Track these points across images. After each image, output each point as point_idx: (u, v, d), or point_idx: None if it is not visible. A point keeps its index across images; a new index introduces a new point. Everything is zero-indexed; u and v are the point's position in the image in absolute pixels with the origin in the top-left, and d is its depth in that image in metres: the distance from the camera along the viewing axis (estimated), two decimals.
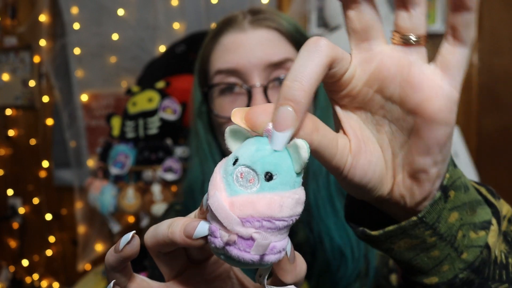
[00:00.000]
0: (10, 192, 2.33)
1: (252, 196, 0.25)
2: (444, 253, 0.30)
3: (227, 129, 0.28)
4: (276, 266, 0.29)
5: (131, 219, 1.88)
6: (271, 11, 0.69)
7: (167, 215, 0.78)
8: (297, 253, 0.31)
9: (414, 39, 0.27)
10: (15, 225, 2.32)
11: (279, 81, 0.65)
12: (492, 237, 0.31)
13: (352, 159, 0.29)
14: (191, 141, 0.76)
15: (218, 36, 0.68)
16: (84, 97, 2.02)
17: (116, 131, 1.41)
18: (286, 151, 0.26)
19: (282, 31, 0.66)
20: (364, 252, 0.65)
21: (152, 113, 1.35)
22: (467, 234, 0.30)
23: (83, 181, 1.82)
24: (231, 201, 0.25)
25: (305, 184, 0.69)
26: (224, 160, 0.28)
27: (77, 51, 1.98)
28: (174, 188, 1.38)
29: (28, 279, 2.30)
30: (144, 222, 1.42)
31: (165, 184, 1.35)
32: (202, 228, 0.27)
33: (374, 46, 0.28)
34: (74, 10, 1.97)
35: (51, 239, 2.25)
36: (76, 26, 1.97)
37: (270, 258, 0.25)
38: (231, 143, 0.28)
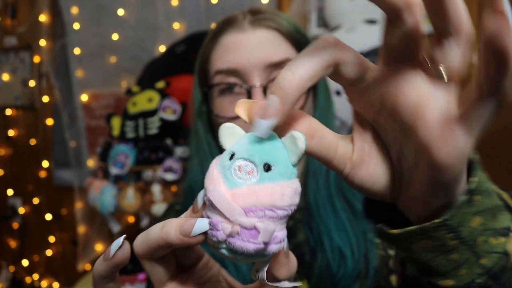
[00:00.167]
0: (10, 192, 2.33)
1: (253, 186, 0.25)
2: (464, 257, 0.29)
3: (222, 127, 0.28)
4: (272, 260, 0.30)
5: (131, 219, 1.88)
6: (271, 11, 0.69)
7: (167, 215, 0.78)
8: (289, 251, 0.31)
9: (445, 75, 0.25)
10: (15, 225, 2.32)
11: None
12: (511, 244, 0.31)
13: (350, 168, 0.29)
14: (191, 141, 0.76)
15: (218, 36, 0.68)
16: (84, 97, 2.02)
17: (116, 131, 1.41)
18: (281, 143, 0.26)
19: (282, 31, 0.66)
20: (364, 252, 0.65)
21: (152, 113, 1.35)
22: (487, 239, 0.30)
23: (83, 181, 1.82)
24: (232, 193, 0.25)
25: (305, 184, 0.69)
26: (219, 157, 0.28)
27: (77, 51, 1.98)
28: (174, 188, 1.38)
29: (28, 279, 2.30)
30: (144, 222, 1.42)
31: (165, 184, 1.35)
32: (201, 224, 0.27)
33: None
34: (74, 10, 1.97)
35: (51, 239, 2.25)
36: (76, 26, 1.97)
37: (272, 248, 0.26)
38: (225, 140, 0.28)
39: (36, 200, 2.28)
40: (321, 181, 0.68)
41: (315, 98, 0.71)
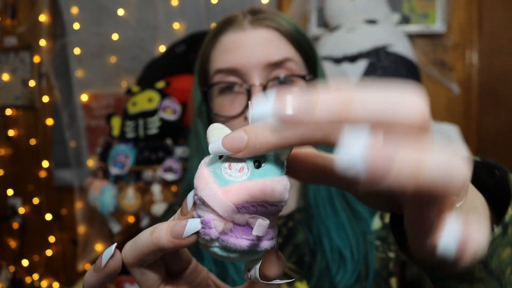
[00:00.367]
0: (10, 192, 2.32)
1: (245, 183, 0.25)
2: (489, 287, 0.29)
3: (210, 127, 0.28)
4: (264, 257, 0.30)
5: (131, 219, 1.88)
6: (271, 11, 0.69)
7: (167, 215, 0.78)
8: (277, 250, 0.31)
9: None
10: (15, 225, 2.32)
11: (279, 80, 0.65)
12: None
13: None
14: (191, 141, 0.76)
15: (218, 36, 0.68)
16: (84, 97, 2.02)
17: (116, 131, 1.41)
18: None
19: (282, 31, 0.66)
20: (363, 253, 0.65)
21: (152, 113, 1.35)
22: None
23: (83, 181, 1.82)
24: (224, 190, 0.25)
25: (305, 184, 0.69)
26: (207, 157, 0.28)
27: (77, 51, 1.98)
28: (174, 188, 1.38)
29: (28, 279, 2.30)
30: (144, 222, 1.42)
31: (165, 184, 1.35)
32: (192, 224, 0.27)
33: None
34: (74, 10, 1.97)
35: (51, 239, 2.25)
36: (76, 26, 1.97)
37: (265, 244, 0.26)
38: (213, 140, 0.28)
39: (36, 200, 2.27)
40: None
41: None
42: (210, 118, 0.72)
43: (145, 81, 1.51)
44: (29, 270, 2.31)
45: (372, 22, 1.37)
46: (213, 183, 0.26)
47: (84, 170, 2.03)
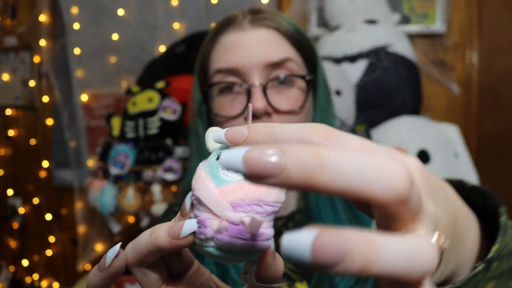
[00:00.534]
0: (10, 192, 2.32)
1: (241, 182, 0.26)
2: None
3: (208, 131, 0.29)
4: (260, 260, 0.30)
5: (131, 219, 1.88)
6: (271, 11, 0.69)
7: (167, 215, 0.78)
8: (276, 252, 0.31)
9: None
10: (15, 225, 2.32)
11: (279, 80, 0.65)
12: None
13: None
14: (191, 141, 0.76)
15: (218, 36, 0.68)
16: (84, 97, 2.02)
17: (116, 131, 1.41)
18: None
19: (282, 31, 0.66)
20: None
21: (152, 113, 1.35)
22: None
23: (83, 181, 1.82)
24: (220, 190, 0.26)
25: None
26: (205, 160, 0.29)
27: (77, 51, 1.98)
28: (174, 188, 1.38)
29: (28, 279, 2.30)
30: (144, 222, 1.42)
31: (165, 184, 1.35)
32: (189, 224, 0.27)
33: None
34: (74, 10, 1.97)
35: (51, 239, 2.25)
36: (76, 26, 1.97)
37: (260, 244, 0.26)
38: (210, 143, 0.29)
39: (36, 200, 2.27)
40: None
41: (315, 98, 0.71)
42: (210, 118, 0.72)
43: (145, 81, 1.51)
44: (29, 270, 2.31)
45: (372, 22, 1.37)
46: (209, 183, 0.26)
47: (84, 170, 2.03)
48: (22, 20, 2.20)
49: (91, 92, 2.02)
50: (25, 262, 2.31)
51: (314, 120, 0.71)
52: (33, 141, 2.26)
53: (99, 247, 1.98)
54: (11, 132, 2.31)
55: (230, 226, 0.25)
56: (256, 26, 0.66)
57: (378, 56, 1.29)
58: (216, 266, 0.64)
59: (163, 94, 1.38)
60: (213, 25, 0.73)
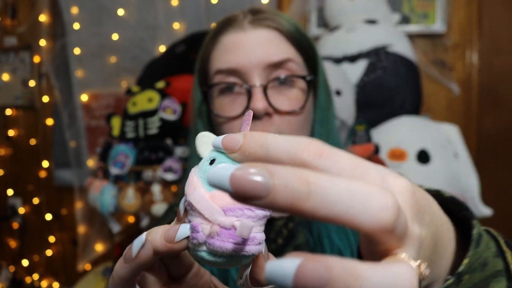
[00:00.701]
0: (10, 192, 2.32)
1: None
2: None
3: (198, 136, 0.29)
4: (253, 264, 0.30)
5: (131, 219, 1.88)
6: (272, 11, 0.69)
7: (167, 215, 0.78)
8: (270, 254, 0.31)
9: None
10: (15, 225, 2.32)
11: (279, 81, 0.65)
12: None
13: None
14: (191, 141, 0.76)
15: (218, 36, 0.68)
16: (84, 97, 2.02)
17: (116, 131, 1.41)
18: None
19: (283, 31, 0.66)
20: None
21: (152, 113, 1.35)
22: None
23: (83, 181, 1.82)
24: (212, 194, 0.26)
25: None
26: (197, 165, 0.29)
27: (77, 51, 1.98)
28: (174, 188, 1.38)
29: (28, 279, 2.30)
30: (144, 222, 1.42)
31: (165, 184, 1.35)
32: (183, 229, 0.27)
33: None
34: (74, 10, 1.97)
35: (51, 239, 2.25)
36: (76, 26, 1.97)
37: (252, 248, 0.26)
38: (202, 148, 0.29)
39: (36, 200, 2.27)
40: None
41: (316, 98, 0.71)
42: (210, 118, 0.72)
43: (145, 81, 1.51)
44: (29, 270, 2.31)
45: (372, 22, 1.37)
46: (201, 188, 0.26)
47: (84, 170, 2.03)
48: (22, 20, 2.20)
49: (91, 92, 2.02)
50: (25, 262, 2.31)
51: (314, 120, 0.71)
52: (33, 141, 2.26)
53: (99, 247, 1.98)
54: (11, 132, 2.31)
55: (222, 230, 0.25)
56: (256, 26, 0.66)
57: (378, 56, 1.29)
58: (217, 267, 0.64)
59: (163, 94, 1.38)
60: (213, 25, 0.73)
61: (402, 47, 1.31)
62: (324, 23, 1.61)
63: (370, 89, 1.29)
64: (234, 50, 0.65)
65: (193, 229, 0.26)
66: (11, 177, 2.34)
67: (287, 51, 0.65)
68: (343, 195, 0.18)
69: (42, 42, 2.11)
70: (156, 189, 1.33)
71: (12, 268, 2.32)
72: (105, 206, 1.38)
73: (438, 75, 1.57)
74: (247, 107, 0.63)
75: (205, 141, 0.29)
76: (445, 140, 1.23)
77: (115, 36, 1.91)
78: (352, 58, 1.32)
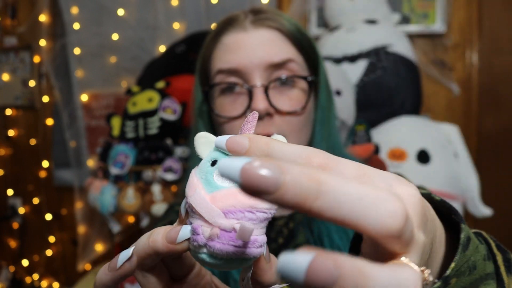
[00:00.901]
0: (10, 192, 2.32)
1: (233, 188, 0.25)
2: None
3: (196, 137, 0.29)
4: (255, 266, 0.29)
5: (131, 219, 1.88)
6: (273, 11, 0.69)
7: (167, 215, 0.78)
8: (271, 254, 0.31)
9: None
10: (15, 225, 2.32)
11: (280, 81, 0.65)
12: None
13: None
14: (192, 140, 0.76)
15: (219, 36, 0.68)
16: (84, 97, 2.02)
17: (116, 131, 1.41)
18: None
19: (284, 31, 0.66)
20: None
21: (152, 113, 1.35)
22: None
23: (83, 181, 1.82)
24: (212, 196, 0.26)
25: None
26: (197, 166, 0.28)
27: (77, 51, 1.98)
28: (174, 188, 1.38)
29: (28, 279, 2.30)
30: (144, 222, 1.42)
31: (165, 184, 1.35)
32: (185, 230, 0.27)
33: None
34: (74, 10, 1.97)
35: (51, 239, 2.25)
36: (76, 26, 1.97)
37: (253, 251, 0.26)
38: (201, 149, 0.29)
39: (36, 200, 2.27)
40: None
41: (317, 98, 0.71)
42: (211, 118, 0.72)
43: (145, 81, 1.51)
44: (29, 270, 2.31)
45: (372, 22, 1.37)
46: (201, 190, 0.26)
47: (84, 170, 2.03)
48: (22, 20, 2.20)
49: (91, 92, 2.02)
50: (25, 262, 2.31)
51: (315, 120, 0.71)
52: (33, 141, 2.26)
53: (99, 247, 1.98)
54: (11, 132, 2.31)
55: (222, 233, 0.25)
56: (258, 26, 0.66)
57: (378, 56, 1.29)
58: None
59: (163, 94, 1.38)
60: (213, 25, 0.73)
61: (402, 47, 1.31)
62: (324, 23, 1.61)
63: (370, 89, 1.29)
64: (236, 50, 0.65)
65: (194, 232, 0.26)
66: (11, 177, 2.34)
67: (288, 52, 0.65)
68: (352, 197, 0.18)
69: (42, 42, 2.11)
70: (156, 189, 1.33)
71: (12, 268, 2.32)
72: (105, 206, 1.38)
73: (438, 75, 1.57)
74: (248, 107, 0.63)
75: (203, 141, 0.29)
76: (445, 140, 1.23)
77: (115, 36, 1.91)
78: (352, 58, 1.32)
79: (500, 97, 1.58)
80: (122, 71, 1.94)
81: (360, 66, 1.30)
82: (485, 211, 1.22)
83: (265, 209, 0.25)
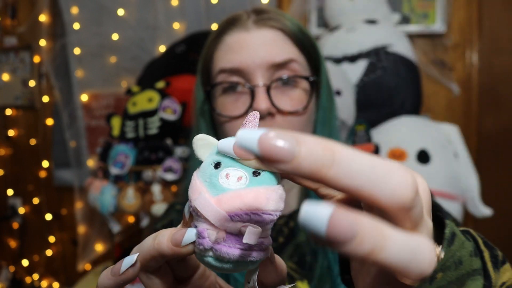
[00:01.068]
0: (10, 192, 2.32)
1: (239, 191, 0.25)
2: None
3: (194, 139, 0.28)
4: (260, 268, 0.29)
5: (131, 219, 1.88)
6: (275, 11, 0.69)
7: (168, 214, 0.78)
8: (276, 255, 0.31)
9: None
10: (15, 225, 2.32)
11: (282, 81, 0.65)
12: None
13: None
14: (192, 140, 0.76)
15: (222, 35, 0.68)
16: (84, 97, 2.02)
17: (116, 131, 1.41)
18: None
19: (286, 31, 0.66)
20: None
21: (152, 113, 1.35)
22: None
23: (83, 181, 1.82)
24: (218, 199, 0.25)
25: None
26: (199, 169, 0.28)
27: (77, 51, 1.98)
28: (174, 188, 1.38)
29: (28, 279, 2.30)
30: (144, 222, 1.42)
31: (165, 184, 1.35)
32: (190, 233, 0.27)
33: None
34: (74, 10, 1.97)
35: (51, 239, 2.25)
36: (76, 26, 1.97)
37: (258, 254, 0.26)
38: (200, 152, 0.28)
39: (36, 200, 2.27)
40: None
41: (318, 98, 0.71)
42: (213, 117, 0.72)
43: (145, 81, 1.51)
44: (29, 270, 2.31)
45: (372, 22, 1.37)
46: (206, 193, 0.26)
47: (84, 170, 2.03)
48: (22, 20, 2.20)
49: (91, 92, 2.02)
50: (25, 262, 2.31)
51: (317, 120, 0.71)
52: (33, 141, 2.26)
53: (99, 247, 1.98)
54: (11, 132, 2.31)
55: (228, 236, 0.25)
56: (260, 26, 0.66)
57: (378, 56, 1.29)
58: None
59: (163, 94, 1.38)
60: (214, 25, 0.73)
61: (402, 47, 1.31)
62: (324, 23, 1.61)
63: (370, 89, 1.29)
64: (238, 49, 0.65)
65: (199, 235, 0.26)
66: (11, 177, 2.34)
67: (290, 52, 0.65)
68: (366, 166, 0.19)
69: (42, 42, 2.11)
70: (156, 189, 1.33)
71: (12, 268, 2.32)
72: (105, 206, 1.38)
73: (438, 75, 1.58)
74: (250, 107, 0.63)
75: (202, 144, 0.28)
76: (445, 140, 1.24)
77: (115, 36, 1.91)
78: (352, 58, 1.32)
79: (500, 97, 1.59)
80: (122, 71, 1.94)
81: (360, 66, 1.30)
82: (485, 211, 1.23)
83: (270, 211, 0.25)
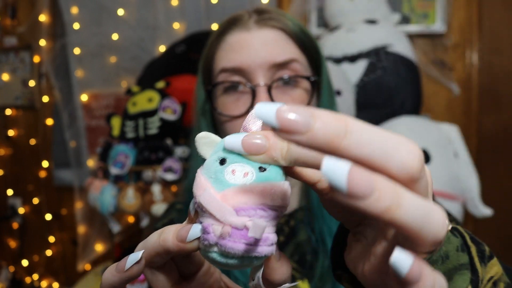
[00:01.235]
0: (10, 192, 2.32)
1: (245, 186, 0.25)
2: None
3: (197, 138, 0.29)
4: (265, 265, 0.29)
5: (131, 219, 1.88)
6: (277, 11, 0.69)
7: (168, 214, 0.78)
8: (281, 252, 0.31)
9: None
10: (15, 225, 2.32)
11: (283, 81, 0.65)
12: None
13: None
14: (193, 139, 0.76)
15: (223, 35, 0.68)
16: (84, 97, 2.02)
17: (116, 131, 1.41)
18: None
19: (287, 31, 0.66)
20: None
21: (152, 113, 1.35)
22: None
23: (83, 181, 1.82)
24: (223, 194, 0.25)
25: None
26: (203, 166, 0.28)
27: (77, 51, 1.98)
28: (174, 188, 1.38)
29: (28, 279, 2.30)
30: (144, 222, 1.42)
31: (165, 184, 1.35)
32: (195, 229, 0.27)
33: None
34: (74, 10, 1.97)
35: (51, 239, 2.25)
36: (76, 26, 1.97)
37: (264, 249, 0.25)
38: (203, 150, 0.29)
39: (36, 200, 2.27)
40: None
41: (319, 98, 0.71)
42: (214, 117, 0.72)
43: (145, 81, 1.51)
44: (29, 270, 2.31)
45: (372, 22, 1.38)
46: (211, 188, 0.26)
47: (84, 170, 2.03)
48: (22, 20, 2.20)
49: (91, 92, 2.02)
50: (25, 262, 2.31)
51: None
52: (33, 141, 2.26)
53: (99, 247, 1.98)
54: (11, 132, 2.31)
55: (233, 231, 0.25)
56: (261, 26, 0.66)
57: (378, 56, 1.29)
58: None
59: (163, 94, 1.38)
60: (213, 25, 0.73)
61: (402, 47, 1.31)
62: (324, 23, 1.61)
63: (370, 89, 1.29)
64: (239, 49, 0.65)
65: (204, 230, 0.26)
66: (11, 177, 2.34)
67: (291, 52, 0.66)
68: (377, 137, 0.20)
69: (42, 42, 2.11)
70: (156, 189, 1.33)
71: (12, 268, 2.32)
72: (105, 206, 1.38)
73: (438, 75, 1.58)
74: (251, 106, 0.63)
75: (205, 141, 0.29)
76: (445, 140, 1.24)
77: (115, 36, 1.92)
78: (352, 58, 1.32)
79: (500, 97, 1.59)
80: (122, 71, 1.94)
81: (360, 66, 1.30)
82: (485, 211, 1.23)
83: (276, 206, 0.25)
